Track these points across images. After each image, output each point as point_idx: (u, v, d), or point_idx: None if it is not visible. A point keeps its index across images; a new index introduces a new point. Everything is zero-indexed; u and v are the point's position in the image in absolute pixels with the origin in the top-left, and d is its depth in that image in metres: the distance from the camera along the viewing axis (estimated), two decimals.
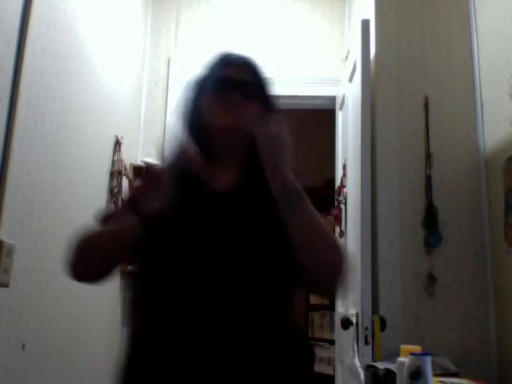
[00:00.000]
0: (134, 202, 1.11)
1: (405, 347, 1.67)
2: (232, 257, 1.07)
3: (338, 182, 2.88)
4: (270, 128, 1.06)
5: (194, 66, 3.46)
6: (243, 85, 1.17)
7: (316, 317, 4.70)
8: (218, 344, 1.02)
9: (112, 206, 1.15)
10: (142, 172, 1.17)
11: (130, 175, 2.91)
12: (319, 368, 4.53)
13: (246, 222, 1.11)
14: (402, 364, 1.52)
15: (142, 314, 1.11)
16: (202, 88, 1.22)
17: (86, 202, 2.22)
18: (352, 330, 2.14)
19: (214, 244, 1.07)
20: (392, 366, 1.81)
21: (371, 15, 2.53)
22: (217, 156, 1.20)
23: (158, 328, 1.06)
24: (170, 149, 1.18)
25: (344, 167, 2.73)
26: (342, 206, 2.65)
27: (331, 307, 3.78)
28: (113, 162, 2.60)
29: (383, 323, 2.11)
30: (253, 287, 1.07)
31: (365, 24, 2.34)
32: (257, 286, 1.07)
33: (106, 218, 1.19)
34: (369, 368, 1.99)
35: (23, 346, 1.64)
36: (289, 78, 3.11)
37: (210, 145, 1.19)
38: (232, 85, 1.16)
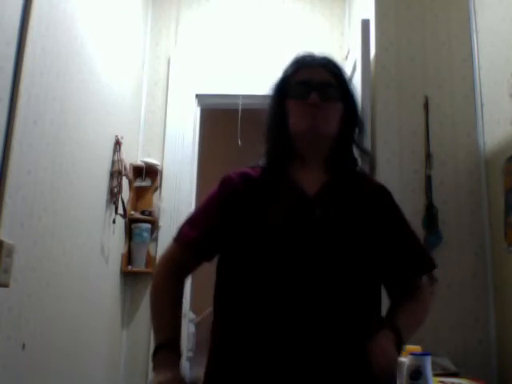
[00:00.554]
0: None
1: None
2: (328, 262, 1.08)
3: None
4: (384, 350, 1.05)
5: (194, 65, 3.49)
6: (325, 86, 1.18)
7: None
8: (308, 346, 1.04)
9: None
10: None
11: (130, 175, 2.92)
12: None
13: (341, 225, 1.12)
14: (402, 364, 1.52)
15: (243, 320, 1.10)
16: (282, 92, 1.22)
17: (85, 202, 2.22)
18: None
19: (312, 248, 1.09)
20: None
21: (371, 15, 2.52)
22: (302, 159, 1.21)
23: (250, 327, 1.07)
24: None
25: None
26: None
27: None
28: (113, 162, 2.60)
29: None
30: (346, 293, 1.09)
31: (365, 24, 2.34)
32: (352, 297, 1.09)
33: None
34: None
35: (23, 346, 1.64)
36: None
37: (295, 147, 1.20)
38: (311, 87, 1.17)
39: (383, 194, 1.24)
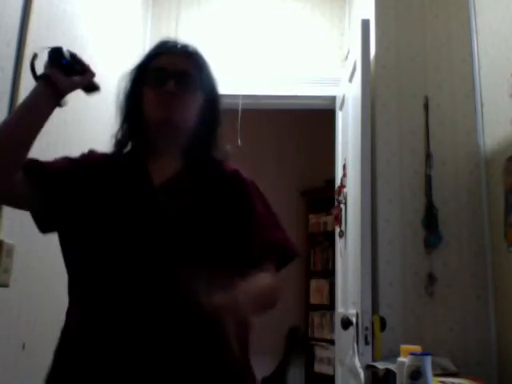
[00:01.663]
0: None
1: (405, 347, 1.67)
2: (162, 250, 1.03)
3: (337, 182, 2.88)
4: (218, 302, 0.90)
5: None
6: (182, 75, 1.14)
7: (316, 317, 4.70)
8: (145, 340, 0.98)
9: None
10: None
11: None
12: (319, 368, 4.53)
13: (179, 215, 1.07)
14: (402, 364, 1.52)
15: (74, 309, 1.07)
16: (139, 77, 1.20)
17: None
18: (352, 330, 2.14)
19: (144, 236, 1.04)
20: (392, 366, 1.81)
21: (371, 15, 2.53)
22: (156, 147, 1.17)
23: (88, 325, 1.02)
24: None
25: (344, 167, 2.73)
26: (342, 206, 2.65)
27: (331, 307, 3.79)
28: None
29: (383, 323, 2.11)
30: (178, 283, 1.01)
31: (365, 24, 2.34)
32: (181, 282, 1.01)
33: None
34: (369, 368, 1.99)
35: (23, 346, 1.64)
36: (289, 78, 3.11)
37: (149, 135, 1.17)
38: (169, 75, 1.13)
39: (234, 183, 1.18)
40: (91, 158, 1.22)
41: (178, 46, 1.21)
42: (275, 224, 1.19)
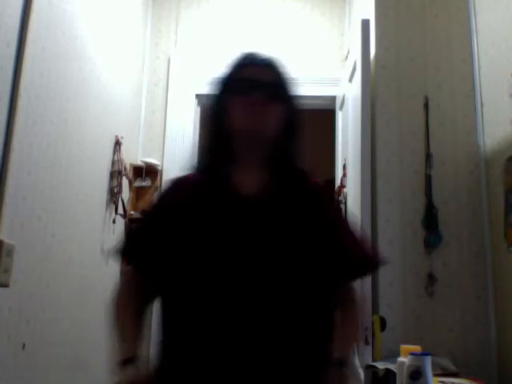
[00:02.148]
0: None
1: (405, 347, 1.67)
2: (266, 263, 1.06)
3: (338, 182, 2.88)
4: None
5: (194, 65, 3.49)
6: (267, 86, 1.15)
7: None
8: (249, 354, 1.02)
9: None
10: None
11: (130, 175, 2.92)
12: None
13: (277, 227, 1.10)
14: (402, 364, 1.52)
15: (176, 322, 1.10)
16: (224, 89, 1.20)
17: (85, 202, 2.22)
18: None
19: (248, 249, 1.07)
20: (392, 366, 1.81)
21: (371, 15, 2.52)
22: (241, 158, 1.18)
23: (192, 337, 1.05)
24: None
25: (344, 167, 2.73)
26: (342, 206, 2.65)
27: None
28: (113, 162, 2.60)
29: (383, 323, 2.11)
30: (282, 295, 1.06)
31: (365, 24, 2.34)
32: (286, 294, 1.07)
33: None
34: (369, 368, 1.99)
35: (23, 346, 1.64)
36: None
37: (234, 146, 1.18)
38: (253, 85, 1.14)
39: (318, 196, 1.21)
40: (177, 190, 1.22)
41: (262, 58, 1.21)
42: (360, 240, 1.23)
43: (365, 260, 1.21)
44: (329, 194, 1.25)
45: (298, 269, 1.08)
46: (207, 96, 1.25)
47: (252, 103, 1.12)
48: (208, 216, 1.11)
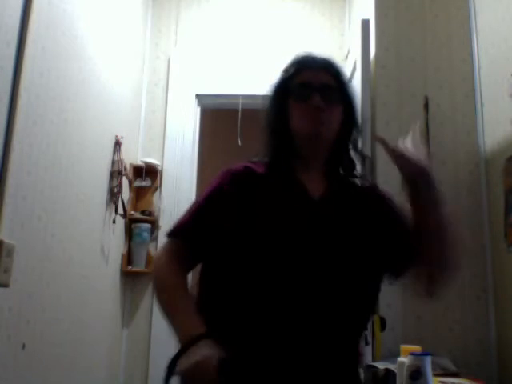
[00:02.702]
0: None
1: (405, 347, 1.67)
2: (332, 265, 1.08)
3: None
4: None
5: (194, 65, 3.49)
6: (327, 89, 1.17)
7: None
8: (313, 348, 1.04)
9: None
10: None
11: (130, 175, 2.92)
12: None
13: (342, 228, 1.13)
14: (402, 364, 1.52)
15: (244, 321, 1.08)
16: (283, 93, 1.21)
17: (85, 202, 2.22)
18: None
19: (316, 249, 1.08)
20: (392, 366, 1.81)
21: (371, 15, 2.52)
22: (303, 161, 1.20)
23: (256, 330, 1.05)
24: None
25: None
26: None
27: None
28: (113, 162, 2.60)
29: (383, 323, 2.11)
30: (350, 294, 1.10)
31: (365, 24, 2.34)
32: (354, 293, 1.11)
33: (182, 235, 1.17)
34: (369, 368, 1.99)
35: (23, 346, 1.64)
36: None
37: (297, 149, 1.20)
38: (313, 89, 1.16)
39: (378, 195, 1.26)
40: (243, 175, 1.19)
41: (319, 61, 1.23)
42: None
43: None
44: (385, 192, 1.28)
45: (365, 269, 1.13)
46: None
47: (313, 106, 1.15)
48: (280, 212, 1.11)
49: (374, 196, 1.24)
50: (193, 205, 1.19)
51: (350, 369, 1.11)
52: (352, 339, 1.12)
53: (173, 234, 1.16)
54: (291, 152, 1.21)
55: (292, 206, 1.13)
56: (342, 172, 1.25)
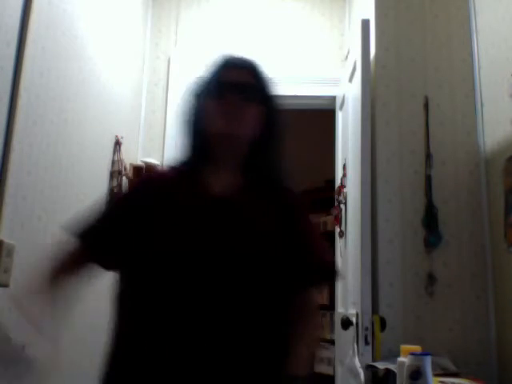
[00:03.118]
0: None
1: (405, 347, 1.67)
2: (229, 264, 1.05)
3: (337, 182, 2.88)
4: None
5: (194, 65, 3.49)
6: (243, 88, 1.15)
7: None
8: (206, 352, 1.00)
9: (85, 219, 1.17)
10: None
11: (130, 175, 2.92)
12: (319, 368, 4.53)
13: (245, 229, 1.09)
14: (402, 364, 1.52)
15: (133, 318, 1.08)
16: (202, 91, 1.20)
17: (85, 202, 2.22)
18: (352, 330, 2.14)
19: (210, 249, 1.05)
20: (392, 366, 1.81)
21: (371, 15, 2.53)
22: (216, 160, 1.17)
23: (148, 333, 1.04)
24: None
25: (344, 167, 2.73)
26: (342, 206, 2.65)
27: (331, 307, 3.78)
28: (113, 162, 2.60)
29: (383, 323, 2.11)
30: (246, 297, 1.05)
31: (365, 24, 2.34)
32: (251, 296, 1.05)
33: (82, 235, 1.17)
34: (369, 368, 1.99)
35: (23, 347, 1.64)
36: (289, 78, 3.11)
37: (210, 149, 1.17)
38: (232, 88, 1.14)
39: (290, 202, 1.20)
40: (146, 182, 1.22)
41: (238, 60, 1.21)
42: (323, 250, 1.23)
43: (325, 268, 1.21)
44: (299, 202, 1.23)
45: (256, 274, 1.06)
46: (186, 97, 1.25)
47: (228, 106, 1.12)
48: (173, 215, 1.09)
49: (285, 202, 1.19)
50: (98, 209, 1.20)
51: (256, 374, 1.04)
52: (252, 346, 1.05)
53: (72, 233, 1.16)
54: (205, 152, 1.18)
55: (186, 207, 1.11)
56: (259, 173, 1.20)
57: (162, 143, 3.12)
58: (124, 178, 2.72)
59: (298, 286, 1.14)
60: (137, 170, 2.99)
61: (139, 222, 1.10)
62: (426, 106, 2.42)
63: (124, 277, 1.12)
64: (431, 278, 2.24)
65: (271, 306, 1.08)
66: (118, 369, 1.07)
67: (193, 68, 3.20)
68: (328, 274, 1.22)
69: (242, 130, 1.14)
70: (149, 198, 1.13)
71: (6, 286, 1.52)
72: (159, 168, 1.25)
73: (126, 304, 1.10)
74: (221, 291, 1.03)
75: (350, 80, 2.62)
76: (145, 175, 1.24)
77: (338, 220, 2.74)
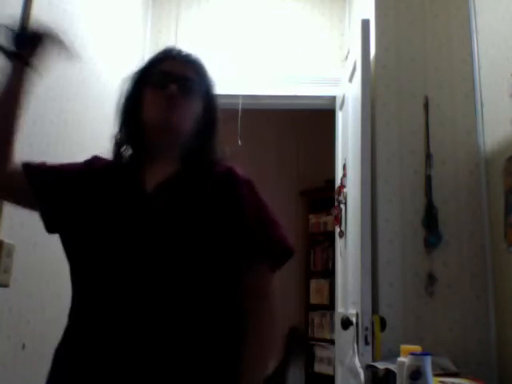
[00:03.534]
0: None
1: (405, 347, 1.67)
2: (153, 259, 1.03)
3: (337, 182, 2.88)
4: None
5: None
6: (185, 80, 1.15)
7: (316, 317, 4.70)
8: (133, 351, 0.99)
9: None
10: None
11: None
12: (319, 368, 4.53)
13: (169, 224, 1.06)
14: (402, 364, 1.52)
15: (73, 314, 1.08)
16: (140, 80, 1.20)
17: None
18: (352, 330, 2.14)
19: (135, 245, 1.04)
20: (392, 366, 1.81)
21: (371, 15, 2.53)
22: (152, 150, 1.17)
23: (82, 330, 1.04)
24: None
25: (344, 167, 2.73)
26: (342, 206, 2.65)
27: (331, 307, 3.79)
28: None
29: (383, 323, 2.11)
30: (172, 292, 1.02)
31: (365, 24, 2.34)
32: (176, 290, 1.02)
33: None
34: (369, 368, 1.99)
35: (23, 346, 1.64)
36: (289, 78, 3.11)
37: (147, 138, 1.17)
38: (174, 79, 1.14)
39: (226, 182, 1.15)
40: (93, 164, 1.23)
41: (181, 53, 1.22)
42: (270, 222, 1.16)
43: (272, 244, 1.14)
44: (242, 180, 1.17)
45: (184, 262, 1.03)
46: (124, 85, 1.25)
47: (166, 96, 1.12)
48: (106, 201, 1.09)
49: (223, 183, 1.14)
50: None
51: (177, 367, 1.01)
52: (180, 345, 1.01)
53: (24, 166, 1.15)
54: (140, 142, 1.17)
55: (119, 199, 1.10)
56: (195, 160, 1.18)
57: None
58: None
59: (242, 267, 1.10)
60: None
61: (76, 200, 1.10)
62: (426, 106, 2.42)
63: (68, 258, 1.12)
64: (431, 278, 2.24)
65: (209, 293, 1.05)
66: (60, 357, 1.09)
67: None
68: (276, 251, 1.14)
69: (181, 120, 1.14)
70: (90, 183, 1.14)
71: (5, 286, 1.52)
72: (104, 157, 1.25)
73: (72, 294, 1.11)
74: (148, 286, 1.01)
75: (350, 80, 2.62)
76: (93, 159, 1.23)
77: (337, 220, 2.74)
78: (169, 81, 1.13)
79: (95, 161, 1.24)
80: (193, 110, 1.16)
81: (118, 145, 1.21)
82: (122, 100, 1.21)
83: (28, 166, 1.15)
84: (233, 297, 1.10)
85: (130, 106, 1.19)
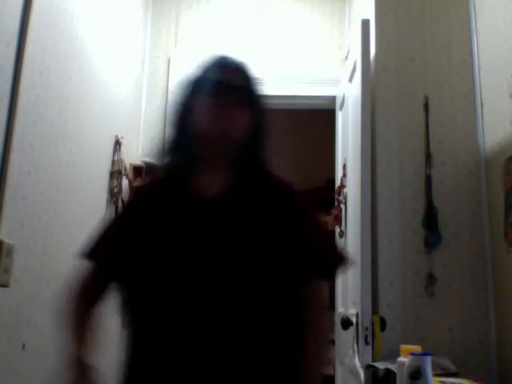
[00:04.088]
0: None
1: (405, 347, 1.67)
2: (226, 265, 1.06)
3: (337, 182, 2.88)
4: None
5: (193, 66, 3.47)
6: (235, 89, 1.16)
7: None
8: (214, 352, 1.02)
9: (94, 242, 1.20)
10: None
11: (130, 175, 2.91)
12: None
13: (239, 229, 1.09)
14: (402, 364, 1.52)
15: (141, 324, 1.10)
16: (194, 90, 1.20)
17: (85, 202, 2.22)
18: (352, 330, 2.14)
19: (205, 251, 1.06)
20: (392, 366, 1.81)
21: (371, 15, 2.53)
22: (206, 160, 1.18)
23: (157, 335, 1.06)
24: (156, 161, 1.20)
25: (344, 167, 2.73)
26: (342, 206, 2.65)
27: (331, 307, 3.78)
28: (113, 162, 2.60)
29: (383, 323, 2.11)
30: (247, 296, 1.06)
31: (365, 24, 2.34)
32: (251, 295, 1.06)
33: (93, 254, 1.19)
34: (369, 368, 1.99)
35: (23, 346, 1.64)
36: (289, 78, 3.11)
37: (200, 148, 1.18)
38: (224, 88, 1.14)
39: (286, 197, 1.19)
40: (142, 191, 1.26)
41: (233, 61, 1.22)
42: (326, 235, 1.23)
43: (331, 258, 1.20)
44: (297, 192, 1.22)
45: (257, 269, 1.07)
46: (177, 94, 1.25)
47: (221, 106, 1.13)
48: (167, 220, 1.11)
49: (281, 195, 1.19)
50: (102, 225, 1.22)
51: (265, 370, 1.06)
52: (257, 342, 1.06)
53: (84, 255, 1.19)
54: (193, 152, 1.18)
55: (178, 210, 1.12)
56: (249, 170, 1.20)
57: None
58: (124, 178, 2.72)
59: (302, 278, 1.14)
60: (137, 169, 2.99)
61: (139, 234, 1.12)
62: (426, 106, 2.42)
63: (126, 286, 1.14)
64: (431, 278, 2.24)
65: (274, 302, 1.09)
66: (133, 371, 1.10)
67: (193, 68, 3.20)
68: (333, 264, 1.21)
69: (235, 129, 1.15)
70: (144, 209, 1.16)
71: (5, 286, 1.52)
72: (151, 174, 1.25)
73: (134, 311, 1.12)
74: (221, 292, 1.04)
75: (350, 80, 2.62)
76: (138, 186, 1.26)
77: (338, 220, 2.74)
78: (223, 90, 1.14)
79: (141, 189, 1.27)
80: (246, 118, 1.17)
81: (168, 153, 1.22)
82: (176, 109, 1.22)
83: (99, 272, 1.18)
84: (294, 303, 1.14)
85: (183, 116, 1.20)
